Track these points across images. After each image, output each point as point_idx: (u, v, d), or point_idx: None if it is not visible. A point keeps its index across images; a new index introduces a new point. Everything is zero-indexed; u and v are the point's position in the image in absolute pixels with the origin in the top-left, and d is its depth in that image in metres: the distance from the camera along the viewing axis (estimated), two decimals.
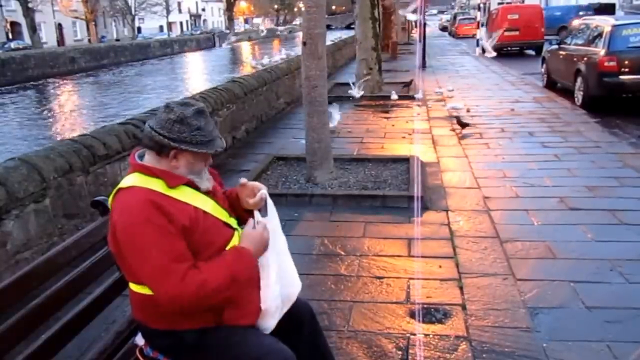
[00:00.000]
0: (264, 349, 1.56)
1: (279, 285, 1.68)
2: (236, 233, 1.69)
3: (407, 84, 10.65)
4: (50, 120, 15.55)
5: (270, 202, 1.76)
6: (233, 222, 1.72)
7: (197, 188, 1.62)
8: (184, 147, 1.54)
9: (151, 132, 1.55)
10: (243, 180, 1.78)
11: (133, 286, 1.61)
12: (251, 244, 1.63)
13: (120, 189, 1.57)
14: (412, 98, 9.51)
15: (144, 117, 4.60)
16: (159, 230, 1.48)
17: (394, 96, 9.32)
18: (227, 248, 1.62)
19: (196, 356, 1.59)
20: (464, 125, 6.85)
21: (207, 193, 1.66)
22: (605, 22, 8.62)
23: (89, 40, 41.63)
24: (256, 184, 1.80)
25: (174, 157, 1.56)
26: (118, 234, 1.50)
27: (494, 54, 8.63)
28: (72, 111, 16.62)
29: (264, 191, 1.76)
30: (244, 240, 1.65)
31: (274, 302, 1.66)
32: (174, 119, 1.54)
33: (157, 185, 1.55)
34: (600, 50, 8.16)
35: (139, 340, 1.71)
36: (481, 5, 22.13)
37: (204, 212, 1.60)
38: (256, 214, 1.73)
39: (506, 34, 18.53)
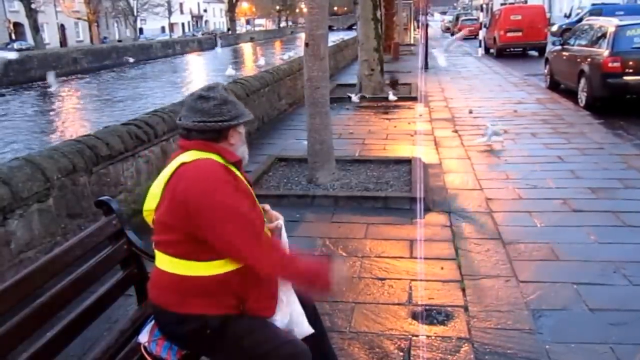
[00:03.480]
0: (281, 339, 1.62)
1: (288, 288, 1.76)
2: (265, 226, 1.75)
3: (393, 84, 10.49)
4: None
5: (284, 235, 1.85)
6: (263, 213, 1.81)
7: (240, 171, 1.72)
8: (241, 121, 1.67)
9: (205, 125, 1.61)
10: (266, 206, 1.86)
11: (166, 265, 1.62)
12: (335, 271, 1.67)
13: (182, 163, 1.60)
14: (414, 99, 9.51)
15: (146, 117, 4.61)
16: (238, 190, 1.59)
17: (392, 97, 9.35)
18: None
19: (215, 343, 1.62)
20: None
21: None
22: (609, 23, 8.60)
23: (91, 41, 41.82)
24: (276, 213, 1.90)
25: (231, 136, 1.66)
26: (196, 199, 1.53)
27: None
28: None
29: (280, 222, 1.87)
30: (335, 264, 1.71)
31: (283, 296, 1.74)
32: (219, 103, 1.64)
33: (217, 158, 1.63)
34: (604, 51, 8.14)
35: (142, 337, 1.72)
36: (484, 6, 22.09)
37: (252, 194, 1.71)
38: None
39: (509, 34, 18.56)
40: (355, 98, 9.33)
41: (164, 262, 1.63)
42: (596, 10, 21.02)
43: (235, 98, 1.71)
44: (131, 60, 32.49)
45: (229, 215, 1.54)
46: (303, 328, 1.77)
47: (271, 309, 1.70)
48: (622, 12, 16.24)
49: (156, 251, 1.67)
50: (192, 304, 1.59)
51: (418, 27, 23.93)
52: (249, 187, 1.73)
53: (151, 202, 1.67)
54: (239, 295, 1.62)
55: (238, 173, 1.68)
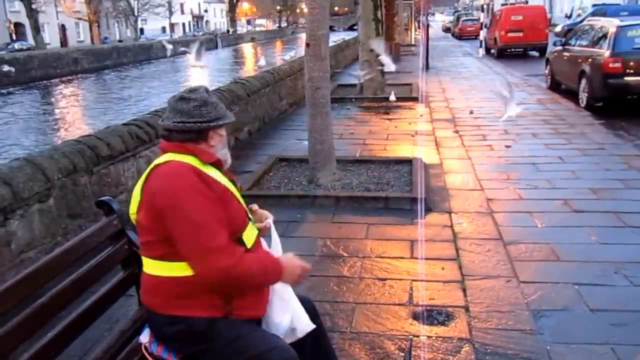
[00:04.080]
0: (268, 345, 1.60)
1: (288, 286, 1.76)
2: (250, 224, 1.74)
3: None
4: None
5: (275, 233, 1.86)
6: (249, 212, 1.79)
7: (221, 170, 1.71)
8: (220, 123, 1.68)
9: (184, 125, 1.63)
10: (254, 206, 1.88)
11: (150, 268, 1.63)
12: (287, 265, 1.69)
13: (157, 165, 1.63)
14: (414, 99, 9.51)
15: (147, 118, 4.61)
16: (203, 195, 1.56)
17: (392, 97, 9.36)
18: (244, 238, 1.66)
19: (203, 346, 1.61)
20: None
21: (229, 180, 1.73)
22: (610, 23, 8.60)
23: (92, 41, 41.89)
24: (265, 212, 1.91)
25: (211, 137, 1.67)
26: (161, 199, 1.55)
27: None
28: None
29: (269, 220, 1.88)
30: (284, 260, 1.71)
31: (282, 292, 1.74)
32: (199, 105, 1.65)
33: (191, 160, 1.63)
34: (605, 51, 8.13)
35: (143, 338, 1.72)
36: (484, 7, 22.06)
37: (231, 192, 1.68)
38: (262, 240, 1.82)
39: (510, 35, 18.55)
40: (359, 84, 9.37)
41: (148, 265, 1.65)
42: (600, 11, 20.96)
43: (217, 100, 1.71)
44: (189, 52, 35.40)
45: (186, 219, 1.53)
46: (304, 324, 1.76)
47: (260, 309, 1.69)
48: (626, 13, 16.24)
49: (142, 256, 1.68)
50: (177, 306, 1.60)
51: (419, 28, 23.94)
52: (232, 187, 1.70)
53: (133, 205, 1.68)
54: (223, 294, 1.60)
55: (218, 173, 1.67)
